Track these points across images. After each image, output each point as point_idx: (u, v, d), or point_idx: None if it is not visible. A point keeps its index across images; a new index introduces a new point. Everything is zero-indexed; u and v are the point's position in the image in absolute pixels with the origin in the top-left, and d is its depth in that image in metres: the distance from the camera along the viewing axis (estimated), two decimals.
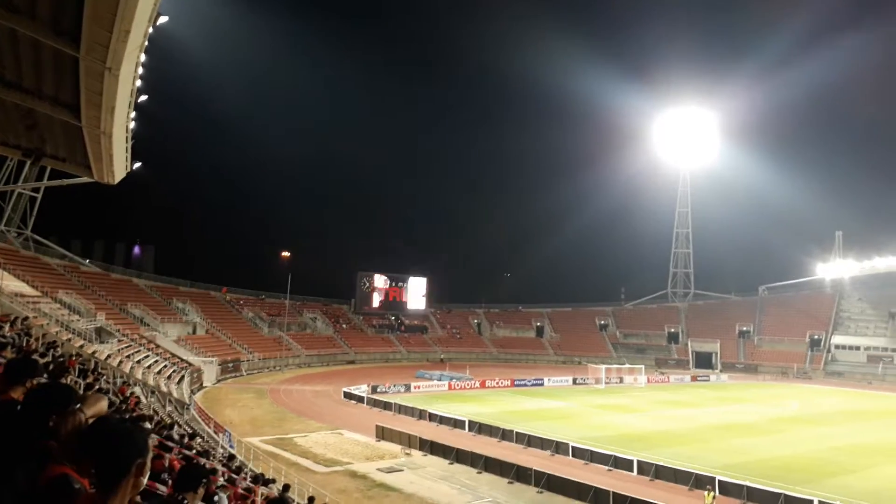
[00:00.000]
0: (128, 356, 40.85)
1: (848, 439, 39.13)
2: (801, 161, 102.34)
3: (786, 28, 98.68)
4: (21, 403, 3.10)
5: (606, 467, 30.27)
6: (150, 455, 2.40)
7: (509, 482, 27.68)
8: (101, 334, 42.56)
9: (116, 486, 2.19)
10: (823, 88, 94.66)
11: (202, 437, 26.68)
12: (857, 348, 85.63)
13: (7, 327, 22.18)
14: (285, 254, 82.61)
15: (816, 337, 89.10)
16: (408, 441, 33.84)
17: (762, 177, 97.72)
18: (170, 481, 5.28)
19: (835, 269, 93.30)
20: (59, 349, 24.45)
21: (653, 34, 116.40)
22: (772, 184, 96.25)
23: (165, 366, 46.66)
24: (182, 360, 52.53)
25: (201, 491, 6.35)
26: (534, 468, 27.68)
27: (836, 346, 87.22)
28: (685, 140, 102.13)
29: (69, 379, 16.28)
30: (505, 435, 36.41)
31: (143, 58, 10.76)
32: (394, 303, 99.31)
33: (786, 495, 24.29)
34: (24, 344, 20.06)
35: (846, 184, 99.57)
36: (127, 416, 13.33)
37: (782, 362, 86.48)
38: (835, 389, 69.80)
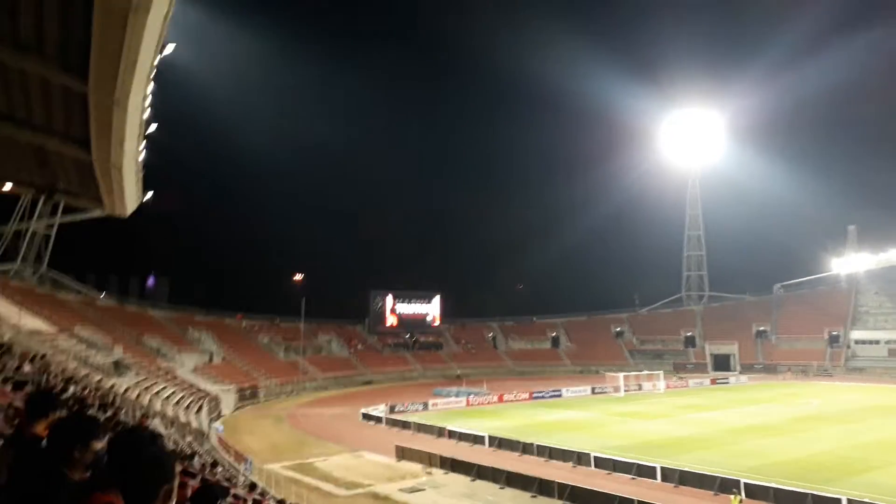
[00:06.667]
0: (146, 388, 40.96)
1: (872, 435, 38.55)
2: (809, 157, 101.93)
3: (793, 27, 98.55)
4: (47, 437, 3.12)
5: (630, 476, 29.92)
6: (177, 481, 2.44)
7: (532, 496, 27.40)
8: (118, 367, 42.74)
9: None
10: (830, 86, 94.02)
11: (223, 467, 26.65)
12: (877, 342, 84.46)
13: (26, 365, 22.37)
14: (298, 277, 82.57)
15: (835, 333, 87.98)
16: (428, 460, 33.60)
17: (771, 175, 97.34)
18: None
19: (850, 263, 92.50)
20: (77, 384, 24.58)
21: (660, 35, 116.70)
22: (781, 181, 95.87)
23: (183, 396, 46.74)
24: (200, 389, 52.63)
25: None
26: (557, 481, 27.39)
27: (856, 342, 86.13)
28: (693, 141, 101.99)
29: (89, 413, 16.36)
30: (526, 449, 36.09)
31: (151, 86, 10.91)
32: (407, 321, 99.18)
33: (813, 495, 23.93)
34: (43, 381, 20.21)
35: (856, 177, 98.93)
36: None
37: (802, 360, 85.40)
38: (856, 385, 68.89)
